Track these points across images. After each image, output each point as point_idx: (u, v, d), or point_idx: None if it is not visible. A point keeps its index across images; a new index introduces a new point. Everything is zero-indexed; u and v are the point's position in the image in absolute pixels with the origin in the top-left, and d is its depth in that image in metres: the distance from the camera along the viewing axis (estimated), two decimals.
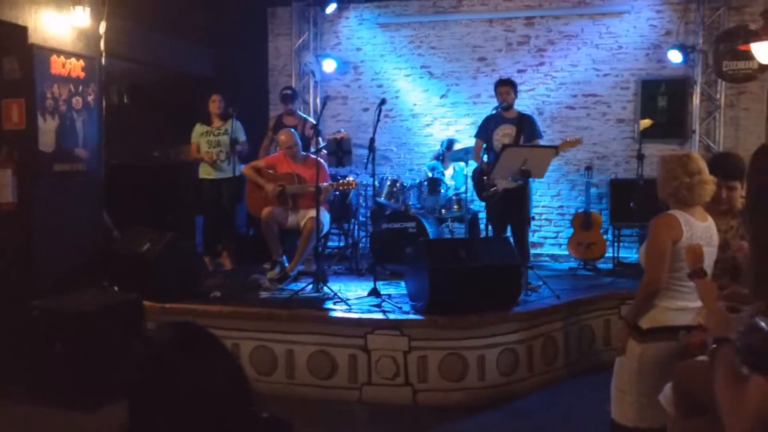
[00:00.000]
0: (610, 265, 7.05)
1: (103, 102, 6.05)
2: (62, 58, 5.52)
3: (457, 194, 7.04)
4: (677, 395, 2.83)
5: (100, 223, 6.06)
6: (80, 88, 5.72)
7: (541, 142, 6.41)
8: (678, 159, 3.29)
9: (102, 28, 5.90)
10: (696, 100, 7.57)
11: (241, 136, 6.89)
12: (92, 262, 5.68)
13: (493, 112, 6.24)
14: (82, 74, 5.72)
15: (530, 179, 5.71)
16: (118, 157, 7.00)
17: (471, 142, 6.84)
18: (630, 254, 7.37)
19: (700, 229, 3.20)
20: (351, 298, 5.42)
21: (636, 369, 3.24)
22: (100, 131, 5.96)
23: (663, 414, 2.97)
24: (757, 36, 5.72)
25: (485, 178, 6.17)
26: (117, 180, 6.40)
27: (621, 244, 7.35)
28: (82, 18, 5.62)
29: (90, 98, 5.82)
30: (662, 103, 7.65)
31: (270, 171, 6.29)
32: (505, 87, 6.30)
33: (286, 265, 6.11)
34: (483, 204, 6.72)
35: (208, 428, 1.37)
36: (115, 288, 5.45)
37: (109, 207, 6.19)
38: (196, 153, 6.94)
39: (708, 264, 3.21)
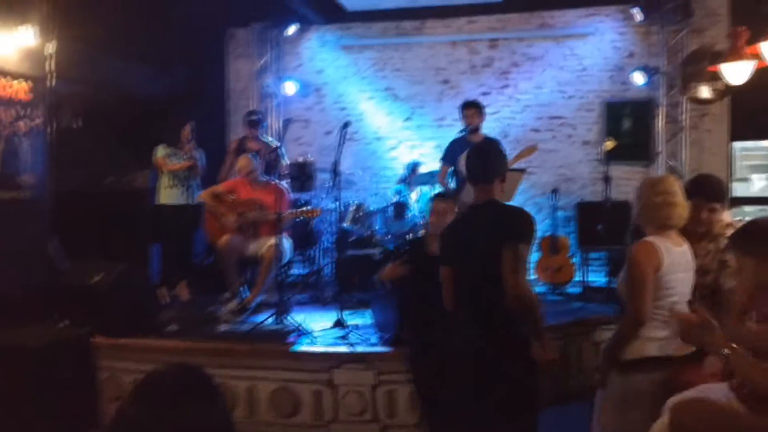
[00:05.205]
0: (578, 289, 6.93)
1: (54, 126, 5.75)
2: (7, 79, 5.24)
3: (423, 219, 6.86)
4: None
5: (47, 253, 5.74)
6: (27, 110, 5.43)
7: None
8: (649, 180, 3.31)
9: (49, 48, 5.61)
10: (660, 121, 7.56)
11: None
12: (40, 294, 5.34)
13: (459, 135, 6.10)
14: (28, 96, 5.43)
15: None
16: (71, 184, 6.67)
17: (436, 165, 6.68)
18: (598, 278, 7.24)
19: (678, 255, 3.08)
20: (315, 330, 5.18)
21: (619, 403, 3.07)
22: (49, 156, 5.66)
23: None
24: (724, 57, 5.68)
25: None
26: (69, 208, 6.08)
27: (589, 267, 7.23)
28: (27, 37, 5.33)
29: (37, 122, 5.53)
30: (627, 124, 7.64)
31: (230, 197, 6.04)
32: (471, 109, 6.17)
33: (246, 295, 5.84)
34: None
35: None
36: (66, 322, 5.14)
37: (61, 236, 5.87)
38: (165, 165, 6.45)
39: (685, 291, 3.08)
